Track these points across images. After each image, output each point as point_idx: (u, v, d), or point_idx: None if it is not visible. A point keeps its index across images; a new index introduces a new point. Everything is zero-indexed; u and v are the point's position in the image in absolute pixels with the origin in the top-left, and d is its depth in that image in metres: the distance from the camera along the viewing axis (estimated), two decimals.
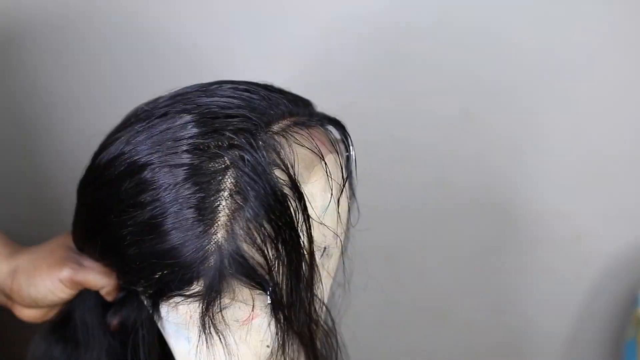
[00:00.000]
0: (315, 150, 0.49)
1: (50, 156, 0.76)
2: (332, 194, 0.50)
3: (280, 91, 0.52)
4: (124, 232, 0.45)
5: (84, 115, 0.83)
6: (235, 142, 0.45)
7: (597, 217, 1.00)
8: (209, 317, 0.47)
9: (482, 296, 1.04)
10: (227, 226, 0.45)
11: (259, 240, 0.45)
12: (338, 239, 0.52)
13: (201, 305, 0.46)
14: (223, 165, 0.45)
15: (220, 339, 0.48)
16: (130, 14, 0.81)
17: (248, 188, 0.45)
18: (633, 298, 0.99)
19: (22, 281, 0.51)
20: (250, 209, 0.45)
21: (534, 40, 0.90)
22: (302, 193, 0.47)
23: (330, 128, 0.55)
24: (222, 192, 0.45)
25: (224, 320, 0.48)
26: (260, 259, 0.45)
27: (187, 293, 0.46)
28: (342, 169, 0.52)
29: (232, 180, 0.45)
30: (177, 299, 0.47)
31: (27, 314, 0.53)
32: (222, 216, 0.45)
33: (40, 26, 0.79)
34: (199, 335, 0.48)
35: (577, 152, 0.97)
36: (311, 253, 0.48)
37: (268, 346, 0.49)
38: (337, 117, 0.57)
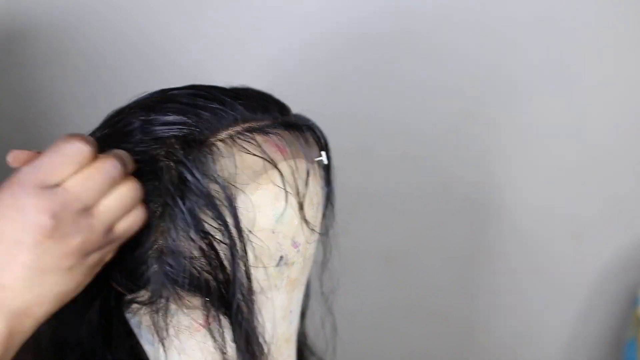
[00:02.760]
0: (266, 158, 0.48)
1: None
2: (287, 202, 0.49)
3: (245, 95, 0.51)
4: None
5: (84, 116, 0.83)
6: (170, 150, 0.46)
7: (596, 217, 1.00)
8: (156, 323, 0.48)
9: (481, 296, 1.04)
10: (165, 233, 0.46)
11: (193, 250, 0.46)
12: (299, 247, 0.51)
13: (150, 311, 0.48)
14: (159, 173, 0.46)
15: (173, 344, 0.49)
16: (129, 15, 0.81)
17: (179, 197, 0.45)
18: (633, 298, 0.99)
19: None
20: (182, 219, 0.45)
21: (534, 41, 0.90)
22: (232, 203, 0.46)
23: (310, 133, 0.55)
24: (159, 199, 0.46)
25: (175, 327, 0.49)
26: (197, 267, 0.46)
27: (139, 299, 0.48)
28: (308, 174, 0.51)
29: (166, 188, 0.46)
30: (135, 305, 0.49)
31: None
32: (161, 222, 0.46)
33: (41, 26, 0.79)
34: (156, 340, 0.49)
35: (577, 153, 0.97)
36: (245, 263, 0.48)
37: (224, 352, 0.49)
38: (312, 121, 0.55)
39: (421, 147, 0.95)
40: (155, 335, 0.49)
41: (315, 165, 0.53)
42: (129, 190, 0.42)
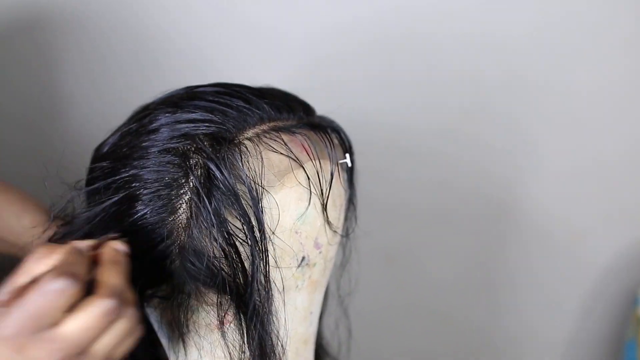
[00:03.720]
0: (292, 157, 0.48)
1: (54, 155, 0.76)
2: (309, 203, 0.49)
3: (271, 95, 0.51)
4: (103, 215, 0.48)
5: (87, 114, 0.83)
6: (199, 147, 0.46)
7: (597, 217, 1.00)
8: (176, 318, 0.48)
9: (482, 296, 1.04)
10: (188, 229, 0.46)
11: (214, 248, 0.46)
12: (321, 248, 0.51)
13: (171, 306, 0.48)
14: (186, 170, 0.46)
15: (192, 340, 0.49)
16: (133, 15, 0.81)
17: (205, 194, 0.45)
18: (633, 298, 0.99)
19: None
20: (206, 215, 0.45)
21: (534, 42, 0.90)
22: (257, 203, 0.46)
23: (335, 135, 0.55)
24: (184, 196, 0.46)
25: (195, 323, 0.49)
26: (218, 265, 0.46)
27: (159, 294, 0.48)
28: (331, 176, 0.51)
29: (192, 185, 0.46)
30: (156, 299, 0.49)
31: None
32: (184, 219, 0.46)
33: (41, 26, 0.79)
34: (175, 335, 0.49)
35: (577, 153, 0.97)
36: (266, 265, 0.47)
37: (244, 352, 0.48)
38: (336, 123, 0.56)
39: (422, 146, 0.95)
40: (176, 331, 0.49)
41: (340, 167, 0.53)
42: (125, 324, 0.41)
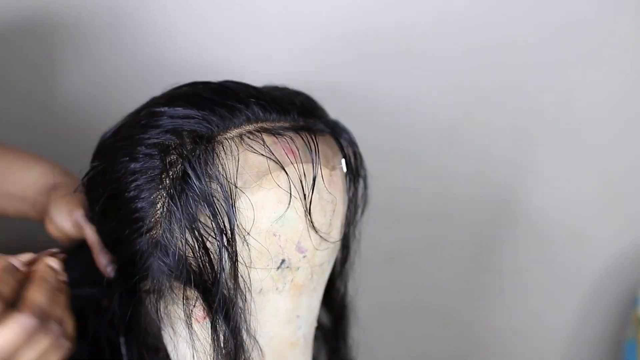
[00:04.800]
0: (273, 159, 0.48)
1: (53, 155, 0.76)
2: (289, 205, 0.48)
3: (267, 95, 0.51)
4: (96, 208, 0.50)
5: (87, 115, 0.83)
6: (180, 144, 0.47)
7: (597, 217, 1.00)
8: (159, 311, 0.49)
9: (482, 297, 1.04)
10: (164, 224, 0.47)
11: (185, 245, 0.47)
12: (305, 253, 0.50)
13: (152, 300, 0.49)
14: (167, 166, 0.47)
15: (181, 334, 0.50)
16: (132, 14, 0.81)
17: (177, 191, 0.46)
18: (633, 298, 0.99)
19: (51, 206, 0.56)
20: (177, 212, 0.46)
21: (534, 41, 0.90)
22: (229, 204, 0.46)
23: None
24: (161, 191, 0.47)
25: (179, 317, 0.50)
26: (184, 259, 0.47)
27: (145, 288, 0.49)
28: (314, 180, 0.49)
29: (169, 181, 0.47)
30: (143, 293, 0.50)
31: (52, 231, 0.57)
32: (160, 213, 0.47)
33: (40, 25, 0.79)
34: (164, 327, 0.51)
35: (577, 153, 0.97)
36: (234, 260, 0.48)
37: (220, 347, 0.49)
38: (340, 127, 0.55)
39: (422, 147, 0.95)
40: (162, 323, 0.50)
41: (338, 172, 0.53)
42: (49, 340, 0.42)
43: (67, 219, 0.54)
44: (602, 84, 0.93)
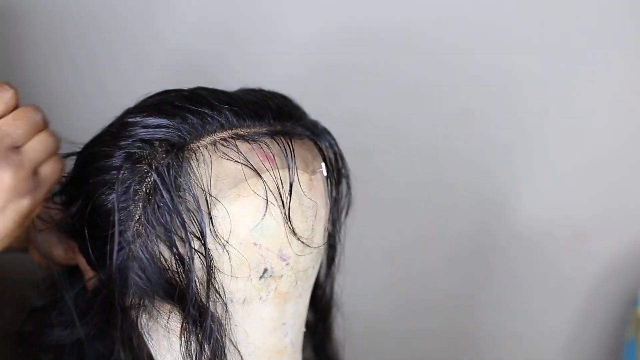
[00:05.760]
0: (249, 166, 0.47)
1: None
2: (267, 213, 0.47)
3: (241, 100, 0.50)
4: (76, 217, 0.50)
5: (82, 116, 0.83)
6: (152, 153, 0.46)
7: (597, 217, 1.00)
8: (142, 323, 0.49)
9: (482, 296, 1.04)
10: (139, 233, 0.46)
11: (157, 256, 0.47)
12: (288, 260, 0.50)
13: (135, 313, 0.49)
14: (140, 175, 0.46)
15: (163, 345, 0.50)
16: (128, 14, 0.81)
17: (152, 202, 0.46)
18: (633, 298, 0.99)
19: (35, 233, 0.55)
20: (150, 222, 0.46)
21: (534, 41, 0.90)
22: (201, 213, 0.46)
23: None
24: (136, 201, 0.46)
25: (162, 328, 0.50)
26: (160, 274, 0.47)
27: (126, 304, 0.49)
28: (290, 186, 0.48)
29: (143, 191, 0.46)
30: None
31: (37, 258, 0.57)
32: (134, 223, 0.47)
33: (39, 24, 0.79)
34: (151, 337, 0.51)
35: (577, 152, 0.97)
36: (208, 271, 0.47)
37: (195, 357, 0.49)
38: (319, 130, 0.54)
39: (421, 146, 0.95)
40: (147, 336, 0.50)
41: (318, 176, 0.51)
42: (49, 136, 0.45)
43: (58, 244, 0.54)
44: (602, 84, 0.93)
